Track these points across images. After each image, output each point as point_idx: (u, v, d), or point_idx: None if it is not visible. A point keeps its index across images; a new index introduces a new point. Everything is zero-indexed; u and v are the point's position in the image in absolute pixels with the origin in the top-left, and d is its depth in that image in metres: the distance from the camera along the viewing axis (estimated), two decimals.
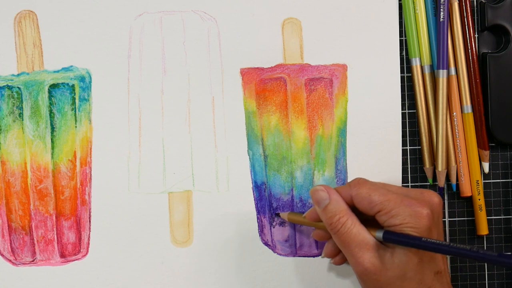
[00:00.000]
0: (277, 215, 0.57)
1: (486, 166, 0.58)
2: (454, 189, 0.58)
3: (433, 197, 0.49)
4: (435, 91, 0.57)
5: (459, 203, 0.59)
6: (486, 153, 0.58)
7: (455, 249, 0.45)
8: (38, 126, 0.55)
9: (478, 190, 0.58)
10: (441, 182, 0.57)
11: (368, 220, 0.50)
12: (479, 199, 0.58)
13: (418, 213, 0.47)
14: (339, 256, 0.54)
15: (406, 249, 0.47)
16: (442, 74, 0.56)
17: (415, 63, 0.57)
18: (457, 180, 0.58)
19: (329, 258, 0.56)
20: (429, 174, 0.58)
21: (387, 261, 0.48)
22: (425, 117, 0.58)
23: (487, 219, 0.58)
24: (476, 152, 0.58)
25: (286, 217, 0.56)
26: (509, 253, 0.43)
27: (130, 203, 0.56)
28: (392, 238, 0.47)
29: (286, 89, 0.57)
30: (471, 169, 0.58)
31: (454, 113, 0.57)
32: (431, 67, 0.58)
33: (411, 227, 0.47)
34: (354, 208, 0.50)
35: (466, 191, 0.58)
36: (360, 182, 0.50)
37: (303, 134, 0.57)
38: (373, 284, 0.48)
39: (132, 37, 0.56)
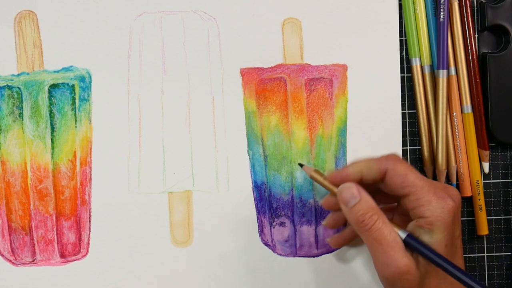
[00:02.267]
0: (300, 165, 0.55)
1: (486, 166, 0.58)
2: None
3: (455, 192, 0.49)
4: (435, 91, 0.57)
5: None
6: (486, 153, 0.58)
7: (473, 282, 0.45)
8: (38, 126, 0.55)
9: (478, 190, 0.58)
10: (441, 182, 0.57)
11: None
12: (479, 199, 0.58)
13: (446, 206, 0.47)
14: (339, 237, 0.54)
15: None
16: (442, 74, 0.56)
17: (415, 63, 0.57)
18: (457, 180, 0.58)
19: (328, 238, 0.56)
20: (429, 174, 0.58)
21: (415, 259, 0.47)
22: (425, 117, 0.58)
23: (487, 219, 0.58)
24: (476, 152, 0.58)
25: (311, 172, 0.53)
26: None
27: (130, 203, 0.56)
28: (413, 245, 0.47)
29: (286, 89, 0.57)
30: (471, 169, 0.58)
31: (454, 113, 0.57)
32: (431, 67, 0.58)
33: (441, 221, 0.46)
34: (368, 189, 0.49)
35: (466, 191, 0.58)
36: (397, 158, 0.49)
37: (303, 134, 0.57)
38: (403, 285, 0.47)
39: (132, 37, 0.56)
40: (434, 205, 0.47)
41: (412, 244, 0.47)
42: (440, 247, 0.47)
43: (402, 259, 0.46)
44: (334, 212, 0.53)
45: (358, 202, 0.48)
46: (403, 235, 0.47)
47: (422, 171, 0.58)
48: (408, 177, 0.48)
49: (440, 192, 0.48)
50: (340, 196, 0.49)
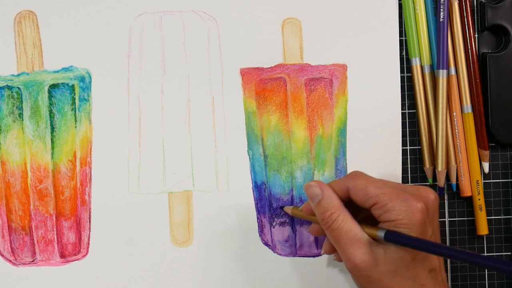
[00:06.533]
0: (281, 208, 0.57)
1: (486, 166, 0.58)
2: (454, 189, 0.58)
3: (429, 193, 0.49)
4: (435, 91, 0.57)
5: (459, 203, 0.59)
6: (486, 153, 0.58)
7: (457, 253, 0.45)
8: (38, 126, 0.55)
9: (478, 190, 0.58)
10: (441, 182, 0.57)
11: (365, 218, 0.50)
12: (479, 199, 0.58)
13: (412, 207, 0.47)
14: (330, 245, 0.54)
15: (400, 246, 0.47)
16: (442, 74, 0.56)
17: (415, 63, 0.57)
18: (457, 180, 0.58)
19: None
20: (429, 174, 0.58)
21: (379, 257, 0.48)
22: (425, 117, 0.58)
23: (487, 219, 0.58)
24: (476, 152, 0.58)
25: (290, 211, 0.56)
26: None
27: (130, 203, 0.56)
28: (394, 239, 0.47)
29: (286, 89, 0.57)
30: (471, 169, 0.58)
31: (454, 113, 0.57)
32: (431, 67, 0.57)
33: (405, 223, 0.47)
34: (350, 204, 0.50)
35: (466, 191, 0.58)
36: (357, 174, 0.51)
37: (303, 134, 0.57)
38: (364, 279, 0.48)
39: (132, 37, 0.56)
40: (398, 209, 0.47)
41: (393, 239, 0.47)
42: (406, 259, 0.47)
43: (360, 257, 0.48)
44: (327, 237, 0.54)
45: (321, 200, 0.50)
46: (381, 233, 0.48)
47: (422, 171, 0.58)
48: (368, 189, 0.49)
49: (406, 195, 0.48)
50: (306, 194, 0.52)
